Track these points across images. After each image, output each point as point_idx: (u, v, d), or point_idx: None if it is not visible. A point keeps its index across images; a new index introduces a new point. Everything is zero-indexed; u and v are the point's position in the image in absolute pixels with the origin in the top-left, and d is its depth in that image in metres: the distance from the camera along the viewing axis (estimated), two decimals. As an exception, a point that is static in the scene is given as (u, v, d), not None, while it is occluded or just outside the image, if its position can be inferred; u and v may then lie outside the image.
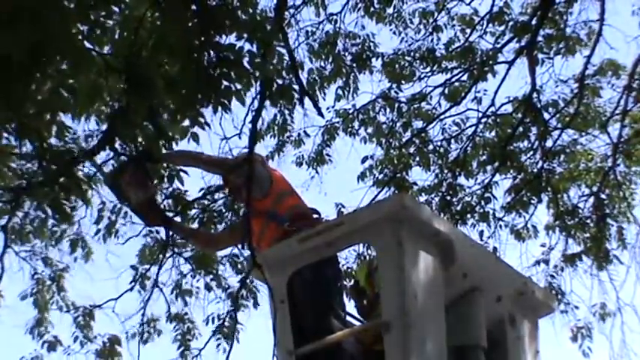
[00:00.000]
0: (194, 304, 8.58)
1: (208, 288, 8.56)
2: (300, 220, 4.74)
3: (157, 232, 8.02)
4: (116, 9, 4.07)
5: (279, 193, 4.90)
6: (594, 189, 10.31)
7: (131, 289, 8.22)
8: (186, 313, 8.66)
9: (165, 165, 5.46)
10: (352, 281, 5.40)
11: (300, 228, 4.59)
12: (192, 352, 8.55)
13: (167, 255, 8.04)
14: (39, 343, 8.59)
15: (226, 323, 8.36)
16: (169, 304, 8.45)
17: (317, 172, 10.05)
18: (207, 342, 7.64)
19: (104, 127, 5.43)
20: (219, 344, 8.27)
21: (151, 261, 8.23)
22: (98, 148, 4.64)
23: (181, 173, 5.55)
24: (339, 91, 9.78)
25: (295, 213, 4.81)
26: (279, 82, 5.01)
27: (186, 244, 7.88)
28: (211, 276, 8.47)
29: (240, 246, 5.93)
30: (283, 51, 5.97)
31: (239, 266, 8.46)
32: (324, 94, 9.69)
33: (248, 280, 7.97)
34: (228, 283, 8.55)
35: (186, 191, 6.99)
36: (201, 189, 7.56)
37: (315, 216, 4.99)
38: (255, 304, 8.38)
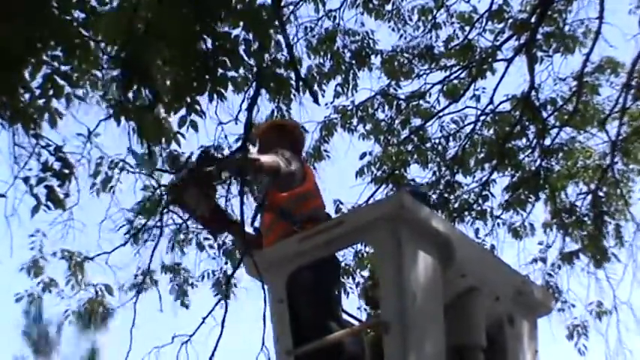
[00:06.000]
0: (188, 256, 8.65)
1: (200, 247, 8.59)
2: (312, 224, 4.60)
3: (153, 187, 8.01)
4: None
5: (304, 193, 4.80)
6: (592, 187, 10.31)
7: (124, 243, 8.23)
8: (179, 263, 8.69)
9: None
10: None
11: None
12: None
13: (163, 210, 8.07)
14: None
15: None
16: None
17: (315, 168, 10.02)
18: (198, 328, 7.57)
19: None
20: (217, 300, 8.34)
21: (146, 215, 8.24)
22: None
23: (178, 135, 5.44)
24: (338, 88, 9.77)
25: (311, 216, 4.70)
26: (276, 71, 4.98)
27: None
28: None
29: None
30: (281, 42, 5.93)
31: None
32: (324, 90, 9.68)
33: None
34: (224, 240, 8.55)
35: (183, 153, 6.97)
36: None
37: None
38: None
